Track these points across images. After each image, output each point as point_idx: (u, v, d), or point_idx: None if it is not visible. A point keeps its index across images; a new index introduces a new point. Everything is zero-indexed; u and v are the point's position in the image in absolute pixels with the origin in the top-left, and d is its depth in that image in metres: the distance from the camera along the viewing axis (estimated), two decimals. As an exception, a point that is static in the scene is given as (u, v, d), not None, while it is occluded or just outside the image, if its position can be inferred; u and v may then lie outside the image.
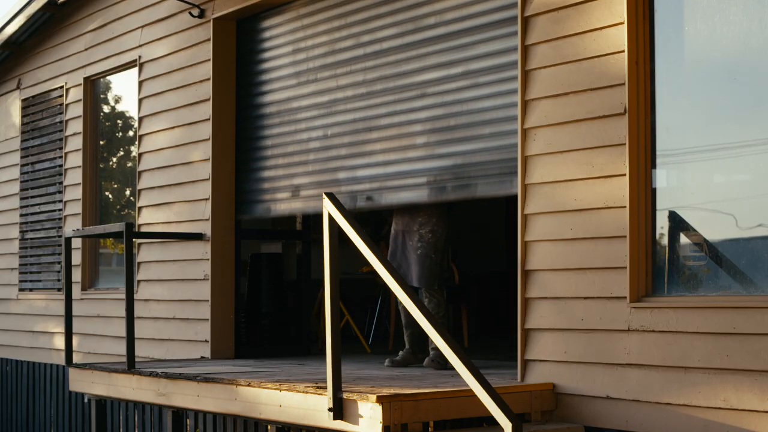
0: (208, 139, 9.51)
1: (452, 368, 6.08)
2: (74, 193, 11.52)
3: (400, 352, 8.05)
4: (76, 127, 11.55)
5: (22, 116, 12.70)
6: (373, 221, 12.24)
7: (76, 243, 11.19)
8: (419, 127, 7.74)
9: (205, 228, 9.49)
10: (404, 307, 7.92)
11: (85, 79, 11.46)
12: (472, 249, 12.95)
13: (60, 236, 11.63)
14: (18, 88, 12.85)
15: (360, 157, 8.25)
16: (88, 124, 11.47)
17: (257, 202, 9.37)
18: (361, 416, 6.06)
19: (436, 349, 7.67)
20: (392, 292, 7.28)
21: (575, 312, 6.42)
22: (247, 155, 9.44)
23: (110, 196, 11.90)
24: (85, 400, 10.54)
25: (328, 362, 6.17)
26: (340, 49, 8.51)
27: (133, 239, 9.21)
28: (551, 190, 6.59)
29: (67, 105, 11.77)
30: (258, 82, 9.38)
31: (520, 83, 6.75)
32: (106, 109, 11.80)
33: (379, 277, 6.44)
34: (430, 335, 5.81)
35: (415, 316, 5.85)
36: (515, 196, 6.82)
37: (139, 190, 10.40)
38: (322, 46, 8.68)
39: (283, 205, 9.08)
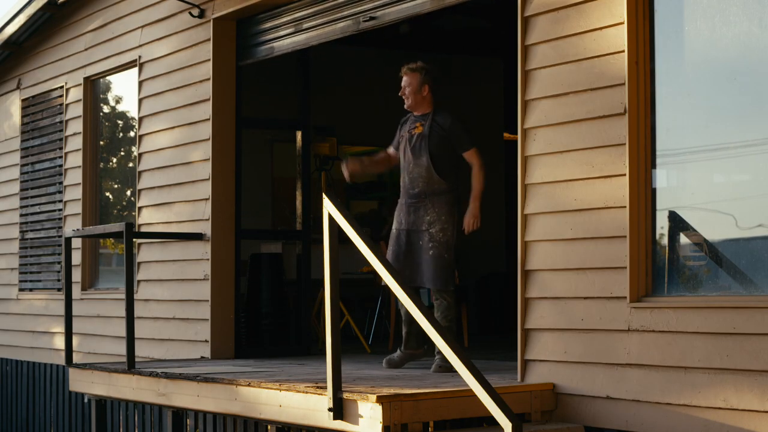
0: (208, 139, 9.51)
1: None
2: (74, 193, 11.51)
3: (398, 351, 7.98)
4: (76, 127, 11.55)
5: (22, 116, 12.69)
6: (373, 221, 12.23)
7: (76, 243, 11.18)
8: None
9: (205, 228, 9.48)
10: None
11: (85, 79, 11.45)
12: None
13: (60, 236, 11.62)
14: (18, 88, 12.84)
15: None
16: (88, 124, 11.47)
17: (259, 44, 9.32)
18: (361, 416, 6.06)
19: (441, 352, 7.61)
20: (392, 292, 7.26)
21: (575, 312, 6.42)
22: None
23: (110, 196, 11.90)
24: (85, 400, 10.54)
25: (328, 362, 6.17)
26: None
27: (133, 239, 9.21)
28: (551, 190, 6.58)
29: (67, 105, 11.76)
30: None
31: (520, 83, 6.75)
32: (106, 109, 11.80)
33: (379, 277, 6.43)
34: (430, 336, 5.80)
35: (415, 317, 5.85)
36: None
37: (139, 190, 10.40)
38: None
39: (286, 41, 9.05)
